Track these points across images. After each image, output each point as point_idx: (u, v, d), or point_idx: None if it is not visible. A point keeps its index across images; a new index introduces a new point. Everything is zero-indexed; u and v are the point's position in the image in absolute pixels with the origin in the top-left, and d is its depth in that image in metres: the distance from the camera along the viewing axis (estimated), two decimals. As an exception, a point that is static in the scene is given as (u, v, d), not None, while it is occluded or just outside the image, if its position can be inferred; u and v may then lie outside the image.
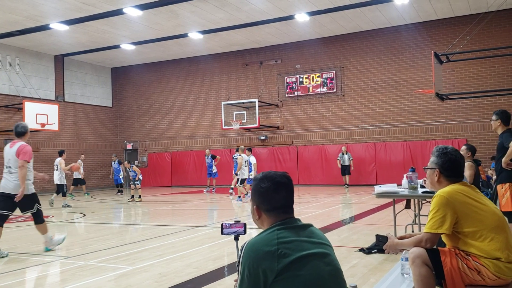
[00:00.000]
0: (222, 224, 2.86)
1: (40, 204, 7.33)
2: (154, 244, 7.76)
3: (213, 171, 19.97)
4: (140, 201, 16.61)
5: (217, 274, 5.61)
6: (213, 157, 20.00)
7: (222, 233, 2.86)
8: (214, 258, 6.45)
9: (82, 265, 6.24)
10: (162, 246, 7.57)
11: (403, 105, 20.39)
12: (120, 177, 20.29)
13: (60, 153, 15.72)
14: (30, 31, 19.41)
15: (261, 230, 2.19)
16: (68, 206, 15.11)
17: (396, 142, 20.39)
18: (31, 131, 21.61)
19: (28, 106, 19.70)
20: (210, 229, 9.27)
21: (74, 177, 19.01)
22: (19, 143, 7.10)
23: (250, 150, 16.29)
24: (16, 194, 6.93)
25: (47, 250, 7.37)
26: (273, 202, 2.18)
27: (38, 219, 7.22)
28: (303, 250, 2.04)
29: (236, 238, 2.91)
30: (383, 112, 20.76)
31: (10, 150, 7.13)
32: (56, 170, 15.41)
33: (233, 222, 2.92)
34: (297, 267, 1.98)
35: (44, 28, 19.02)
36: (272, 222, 2.17)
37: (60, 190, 15.21)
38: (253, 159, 16.33)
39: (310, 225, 2.22)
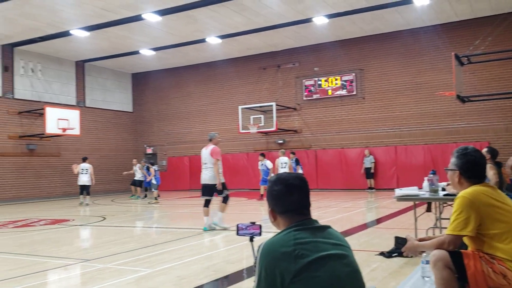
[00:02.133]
0: (237, 225, 2.84)
1: (228, 190, 9.65)
2: (173, 247, 7.77)
3: None
4: (157, 202, 17.36)
5: (235, 277, 5.58)
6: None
7: (237, 234, 2.84)
8: (233, 261, 6.42)
9: (102, 268, 6.27)
10: (181, 249, 7.58)
11: (424, 108, 20.12)
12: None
13: (85, 159, 18.06)
14: (51, 38, 19.77)
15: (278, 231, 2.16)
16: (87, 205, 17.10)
17: (417, 145, 20.12)
18: (51, 136, 22.16)
19: (50, 112, 20.09)
20: (229, 232, 9.25)
21: (136, 178, 20.11)
22: (211, 146, 9.62)
23: (293, 153, 18.02)
24: (211, 184, 9.48)
25: (214, 224, 9.51)
26: (287, 204, 2.15)
27: (225, 200, 9.56)
28: (321, 251, 2.00)
29: (251, 240, 2.88)
30: (404, 115, 20.51)
31: (205, 151, 9.67)
32: (86, 173, 17.50)
33: (249, 224, 2.89)
34: (314, 268, 1.95)
35: (65, 34, 19.34)
36: (288, 224, 2.14)
37: (87, 190, 17.49)
38: (269, 164, 17.13)
39: (328, 227, 2.18)
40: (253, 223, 2.94)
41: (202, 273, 5.76)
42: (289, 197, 2.15)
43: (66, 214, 14.35)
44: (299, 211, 2.16)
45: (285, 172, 2.26)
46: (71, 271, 6.41)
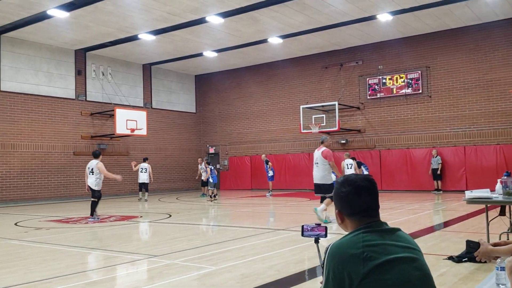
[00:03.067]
0: (302, 226, 2.84)
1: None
2: (236, 245, 7.88)
3: (269, 175, 20.60)
4: (210, 200, 17.99)
5: (298, 278, 5.57)
6: (267, 162, 20.72)
7: (302, 235, 2.84)
8: (295, 262, 6.41)
9: (168, 264, 6.47)
10: (244, 248, 7.67)
11: (496, 106, 19.10)
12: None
13: (145, 159, 20.14)
14: (121, 42, 20.68)
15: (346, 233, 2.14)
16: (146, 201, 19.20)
17: (488, 145, 19.14)
18: (121, 136, 23.56)
19: (119, 113, 21.03)
20: (291, 232, 9.25)
21: (202, 178, 20.83)
22: (323, 148, 10.56)
23: (353, 158, 17.34)
24: (321, 183, 10.38)
25: (326, 222, 10.10)
26: (355, 206, 2.11)
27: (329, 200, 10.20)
28: (390, 254, 1.96)
29: (316, 241, 2.87)
30: (474, 113, 19.58)
31: (317, 152, 10.60)
32: (145, 172, 19.53)
33: (314, 225, 2.89)
34: (383, 271, 1.91)
35: (133, 38, 20.17)
36: (356, 226, 2.11)
37: (145, 187, 19.62)
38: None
39: (397, 229, 2.13)
40: (319, 225, 2.93)
41: (265, 272, 5.80)
42: (357, 199, 2.11)
43: (134, 211, 14.94)
44: (368, 213, 2.12)
45: (353, 174, 2.22)
46: (139, 266, 6.67)
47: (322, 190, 10.45)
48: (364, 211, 2.11)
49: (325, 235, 2.90)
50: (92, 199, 12.40)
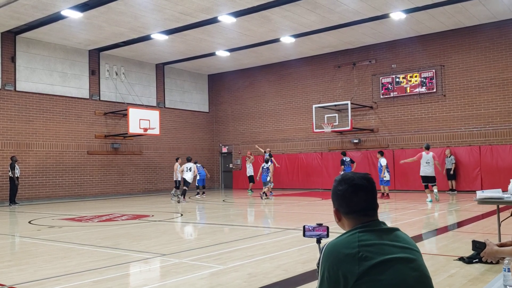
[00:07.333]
0: (304, 227, 2.81)
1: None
2: (245, 245, 7.89)
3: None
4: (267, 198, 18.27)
5: (305, 278, 5.54)
6: (266, 161, 20.30)
7: (304, 235, 2.81)
8: (303, 261, 6.39)
9: (177, 263, 6.50)
10: (253, 247, 7.67)
11: (512, 105, 18.81)
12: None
13: (177, 159, 20.43)
14: (134, 42, 20.81)
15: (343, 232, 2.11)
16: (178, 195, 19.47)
17: (504, 145, 18.85)
18: (134, 136, 23.60)
19: (132, 112, 21.18)
20: (301, 232, 9.22)
21: (248, 174, 21.07)
22: (431, 152, 15.23)
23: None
24: (432, 175, 15.13)
25: (430, 201, 14.97)
26: (352, 205, 2.09)
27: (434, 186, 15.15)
28: (386, 254, 1.93)
29: (318, 241, 2.84)
30: (489, 113, 19.30)
31: (428, 155, 15.08)
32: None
33: (316, 225, 2.86)
34: (378, 271, 1.88)
35: (146, 38, 20.28)
36: (353, 225, 2.08)
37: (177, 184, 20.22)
38: (383, 161, 17.90)
39: (395, 229, 2.10)
40: (320, 225, 2.90)
41: (272, 272, 5.79)
42: (354, 198, 2.09)
43: (146, 210, 15.03)
44: (365, 212, 2.09)
45: (351, 172, 2.19)
46: (149, 264, 6.71)
47: (431, 180, 15.02)
48: (361, 210, 2.08)
49: (327, 235, 2.87)
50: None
